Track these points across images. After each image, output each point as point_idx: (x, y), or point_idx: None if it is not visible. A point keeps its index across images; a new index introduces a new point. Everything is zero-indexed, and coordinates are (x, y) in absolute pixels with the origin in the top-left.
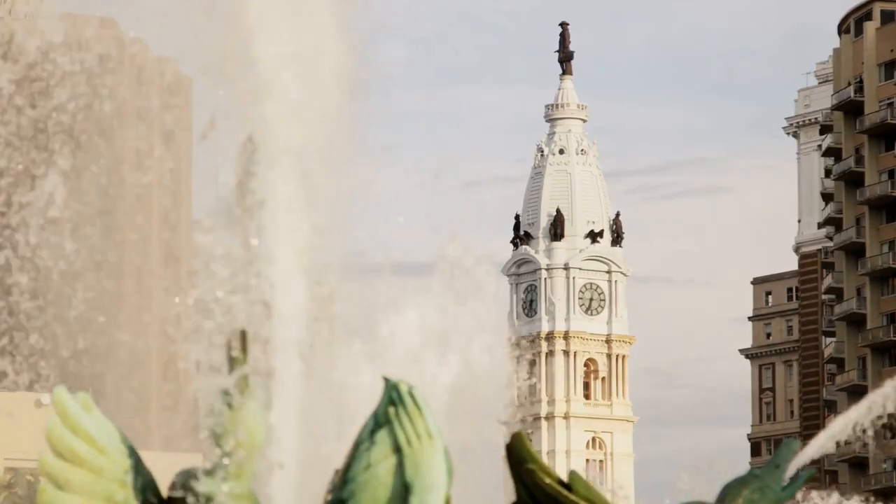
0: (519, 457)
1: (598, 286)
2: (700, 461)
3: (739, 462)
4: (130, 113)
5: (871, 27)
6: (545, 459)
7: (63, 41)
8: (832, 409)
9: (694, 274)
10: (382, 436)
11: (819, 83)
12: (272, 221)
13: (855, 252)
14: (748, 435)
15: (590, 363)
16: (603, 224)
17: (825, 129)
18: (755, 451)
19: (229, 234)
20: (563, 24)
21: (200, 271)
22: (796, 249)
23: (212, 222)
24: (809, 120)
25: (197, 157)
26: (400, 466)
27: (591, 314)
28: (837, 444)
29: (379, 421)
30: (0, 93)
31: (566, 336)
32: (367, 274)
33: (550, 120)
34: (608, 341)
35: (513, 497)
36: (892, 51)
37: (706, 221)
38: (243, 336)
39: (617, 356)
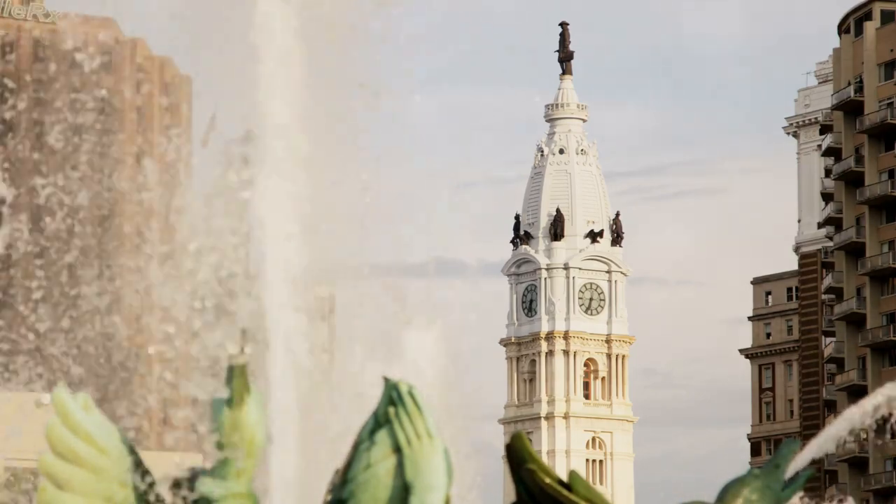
0: (519, 457)
1: (597, 286)
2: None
3: (739, 462)
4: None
5: (871, 27)
6: (545, 459)
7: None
8: (832, 409)
9: (694, 274)
10: (382, 436)
11: (819, 83)
12: (268, 222)
13: (855, 252)
14: (748, 435)
15: (590, 363)
16: (603, 224)
17: (825, 129)
18: (755, 451)
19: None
20: (563, 24)
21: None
22: (796, 249)
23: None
24: (809, 120)
25: (197, 157)
26: (400, 466)
27: (591, 314)
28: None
29: (379, 421)
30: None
31: (566, 336)
32: (362, 275)
33: (550, 120)
34: (608, 341)
35: (513, 497)
36: (892, 51)
37: (706, 221)
38: (243, 336)
39: (617, 356)
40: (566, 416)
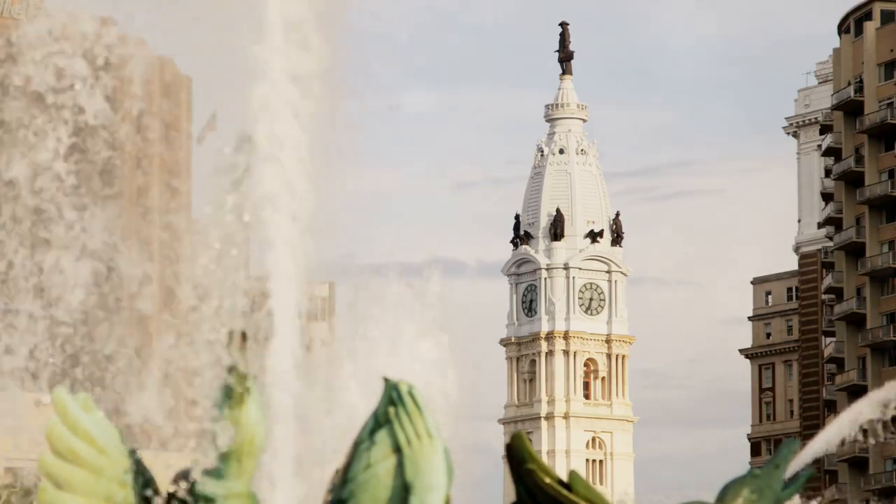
0: (519, 457)
1: (597, 286)
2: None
3: (739, 462)
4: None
5: (871, 27)
6: (545, 459)
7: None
8: (832, 409)
9: (694, 274)
10: (382, 436)
11: (819, 83)
12: (267, 222)
13: (855, 252)
14: (748, 435)
15: (590, 363)
16: (603, 224)
17: (825, 129)
18: (755, 451)
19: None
20: (563, 24)
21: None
22: (796, 249)
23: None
24: (809, 120)
25: (196, 156)
26: (400, 466)
27: (591, 314)
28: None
29: (379, 421)
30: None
31: (566, 336)
32: (361, 275)
33: (550, 120)
34: (608, 341)
35: (513, 497)
36: (892, 51)
37: (706, 221)
38: (243, 336)
39: (617, 356)
40: (566, 416)
